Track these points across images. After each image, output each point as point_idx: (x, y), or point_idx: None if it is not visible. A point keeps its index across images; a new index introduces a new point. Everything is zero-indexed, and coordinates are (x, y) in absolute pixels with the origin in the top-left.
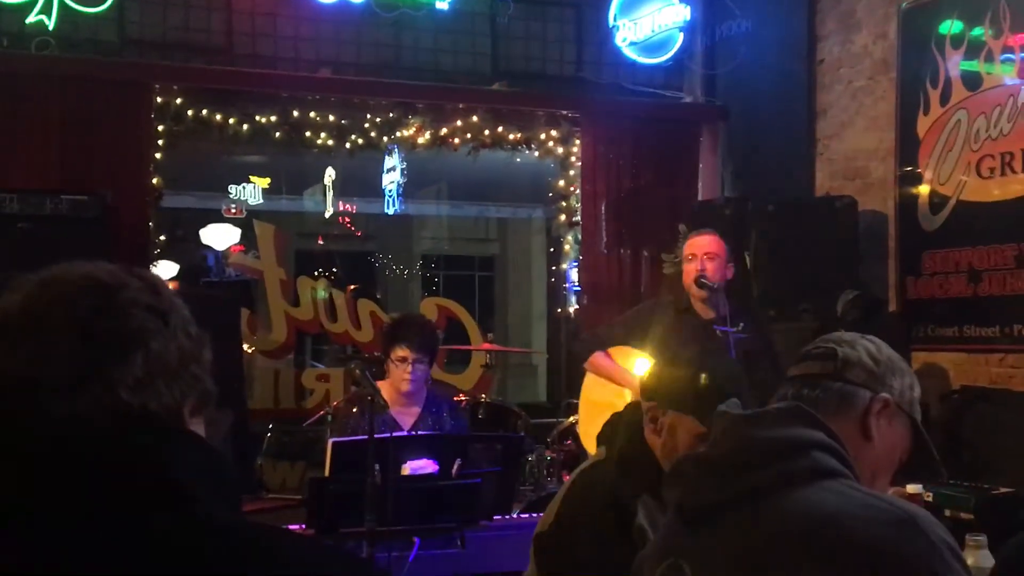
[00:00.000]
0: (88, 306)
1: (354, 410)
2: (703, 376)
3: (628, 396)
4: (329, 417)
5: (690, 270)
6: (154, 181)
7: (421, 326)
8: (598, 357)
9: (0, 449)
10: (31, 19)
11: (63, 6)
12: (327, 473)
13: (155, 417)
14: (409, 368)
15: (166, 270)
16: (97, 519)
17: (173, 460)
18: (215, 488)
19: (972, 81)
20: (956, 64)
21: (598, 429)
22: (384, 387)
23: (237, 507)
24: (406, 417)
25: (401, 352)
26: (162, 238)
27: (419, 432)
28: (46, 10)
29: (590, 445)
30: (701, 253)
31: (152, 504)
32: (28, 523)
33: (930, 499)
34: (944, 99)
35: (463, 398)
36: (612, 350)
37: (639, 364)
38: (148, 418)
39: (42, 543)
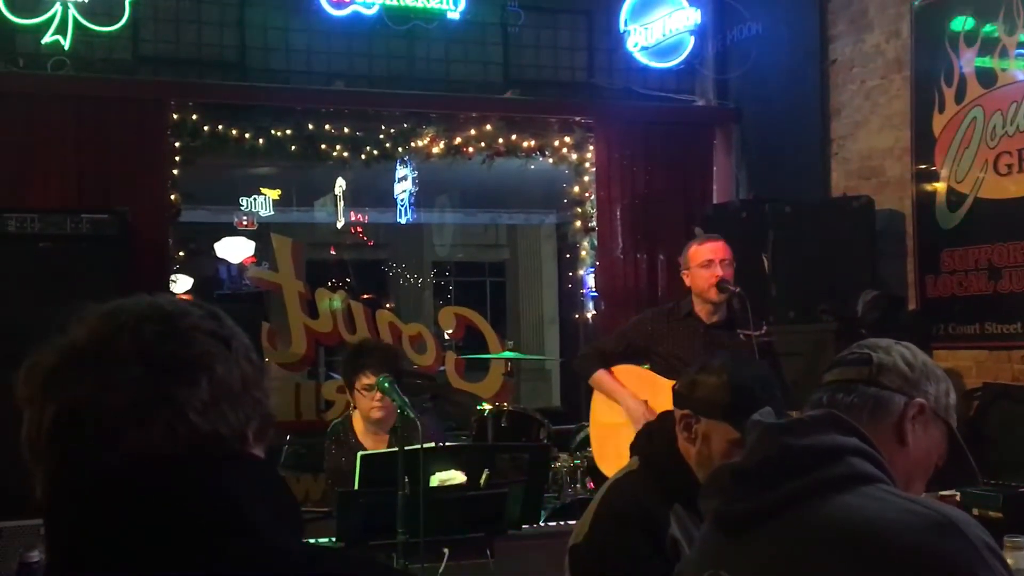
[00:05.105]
0: (152, 332)
1: (333, 450)
2: (736, 382)
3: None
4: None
5: (707, 275)
6: (172, 197)
7: (384, 351)
8: (601, 376)
9: (68, 484)
10: (47, 39)
11: (78, 25)
12: (356, 486)
13: (225, 441)
14: (377, 395)
15: (182, 284)
16: (164, 549)
17: (241, 489)
18: (279, 513)
19: (987, 78)
20: (970, 61)
21: (610, 451)
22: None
23: (299, 531)
24: (379, 445)
25: (367, 380)
26: (180, 253)
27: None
28: (61, 30)
29: (605, 467)
30: (718, 259)
31: (220, 532)
32: (100, 560)
33: (958, 499)
34: (959, 97)
35: (486, 407)
36: (617, 368)
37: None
38: (219, 442)
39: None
